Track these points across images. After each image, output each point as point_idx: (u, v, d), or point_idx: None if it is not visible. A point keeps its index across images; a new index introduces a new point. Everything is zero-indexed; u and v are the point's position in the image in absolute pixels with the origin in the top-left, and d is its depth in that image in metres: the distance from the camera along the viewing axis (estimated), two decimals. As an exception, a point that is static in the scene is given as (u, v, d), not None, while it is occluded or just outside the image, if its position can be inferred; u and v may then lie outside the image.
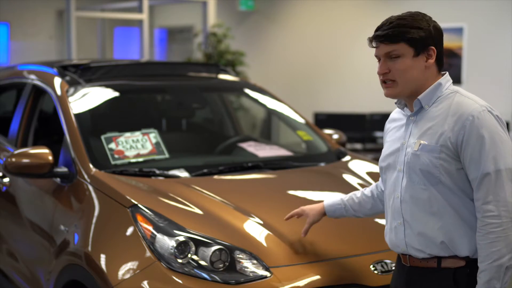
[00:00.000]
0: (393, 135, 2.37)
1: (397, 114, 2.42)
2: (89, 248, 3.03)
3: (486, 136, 2.12)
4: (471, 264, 2.18)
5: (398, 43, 2.17)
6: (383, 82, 2.23)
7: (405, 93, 2.23)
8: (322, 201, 2.79)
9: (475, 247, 2.17)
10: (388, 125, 2.46)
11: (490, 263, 2.09)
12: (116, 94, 4.07)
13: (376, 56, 2.23)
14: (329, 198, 2.77)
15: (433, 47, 2.22)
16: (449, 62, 7.85)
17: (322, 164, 3.86)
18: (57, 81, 3.92)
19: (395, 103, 2.34)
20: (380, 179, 2.57)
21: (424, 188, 2.19)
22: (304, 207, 2.83)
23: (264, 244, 2.90)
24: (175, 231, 2.87)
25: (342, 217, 2.76)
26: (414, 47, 2.17)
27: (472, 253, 2.18)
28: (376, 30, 2.22)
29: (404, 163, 2.25)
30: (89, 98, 3.89)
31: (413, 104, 2.25)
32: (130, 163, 3.55)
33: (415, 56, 2.18)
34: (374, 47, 2.23)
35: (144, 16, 8.72)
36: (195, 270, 2.76)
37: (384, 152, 2.39)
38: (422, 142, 2.19)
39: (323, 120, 8.60)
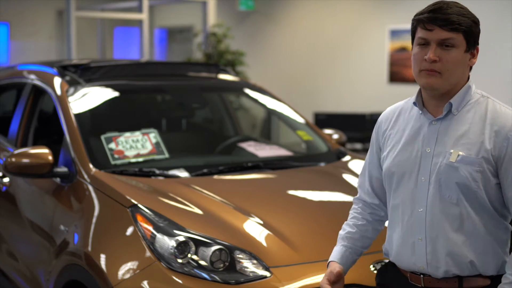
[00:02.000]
0: (404, 138, 2.13)
1: (403, 114, 2.18)
2: (89, 248, 3.03)
3: None
4: (495, 281, 2.05)
5: (457, 32, 1.97)
6: (426, 70, 1.99)
7: (444, 89, 2.01)
8: (331, 262, 2.28)
9: (502, 265, 2.05)
10: (390, 125, 2.20)
11: None
12: (116, 94, 4.07)
13: (423, 39, 2.00)
14: (333, 254, 2.29)
15: (478, 47, 2.06)
16: (449, 62, 7.85)
17: (322, 164, 3.86)
18: (57, 81, 3.92)
19: (414, 103, 2.10)
20: (369, 188, 2.30)
21: (455, 203, 2.00)
22: (328, 280, 2.22)
23: (264, 244, 2.90)
24: (175, 231, 2.87)
25: (356, 259, 2.33)
26: (468, 41, 2.00)
27: (498, 271, 2.05)
28: (431, 12, 1.99)
29: (432, 174, 2.03)
30: (89, 98, 3.88)
31: (444, 107, 2.03)
32: (130, 163, 3.55)
33: (466, 51, 2.01)
34: (427, 29, 1.98)
35: (144, 16, 8.72)
36: (195, 270, 2.77)
37: (397, 157, 2.13)
38: (460, 153, 1.98)
39: (323, 120, 8.60)
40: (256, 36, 10.32)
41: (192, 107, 4.66)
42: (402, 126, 2.15)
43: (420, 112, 2.10)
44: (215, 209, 3.09)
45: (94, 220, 3.15)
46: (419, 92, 2.11)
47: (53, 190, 3.52)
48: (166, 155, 3.69)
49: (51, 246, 3.36)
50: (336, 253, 2.26)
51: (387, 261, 2.43)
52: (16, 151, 3.45)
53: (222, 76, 4.53)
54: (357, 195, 2.37)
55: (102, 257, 2.95)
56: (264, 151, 4.01)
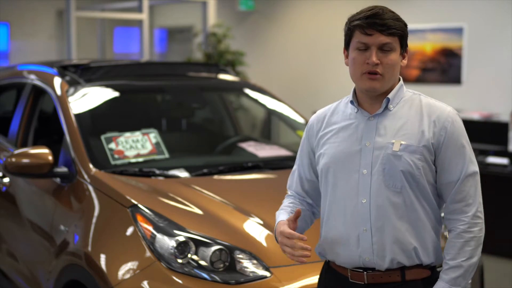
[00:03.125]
0: (341, 135, 2.17)
1: (336, 114, 2.23)
2: (89, 248, 3.03)
3: (464, 139, 2.11)
4: (434, 272, 2.15)
5: (394, 36, 2.07)
6: (368, 73, 2.08)
7: (384, 89, 2.11)
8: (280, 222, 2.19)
9: (438, 253, 2.14)
10: (323, 126, 2.24)
11: (462, 261, 2.07)
12: (116, 94, 4.07)
13: (363, 44, 2.08)
14: (280, 217, 2.24)
15: (407, 49, 2.16)
16: (449, 62, 7.85)
17: (322, 164, 3.86)
18: (57, 81, 3.92)
19: (350, 101, 2.18)
20: (300, 190, 2.32)
21: (399, 192, 2.08)
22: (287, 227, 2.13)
23: (264, 244, 2.90)
24: (175, 231, 2.88)
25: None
26: (401, 44, 2.11)
27: (435, 260, 2.14)
28: (368, 17, 2.07)
29: (374, 165, 2.09)
30: (89, 98, 3.89)
31: (382, 102, 2.12)
32: (130, 163, 3.55)
33: (400, 54, 2.11)
34: (367, 34, 2.07)
35: (144, 16, 8.71)
36: (195, 270, 2.77)
37: (334, 153, 2.16)
38: (402, 142, 2.07)
39: (323, 120, 8.58)
40: (256, 36, 10.32)
41: (192, 107, 4.66)
42: (337, 125, 2.21)
43: (356, 110, 2.17)
44: (215, 209, 3.09)
45: (94, 220, 3.15)
46: (354, 91, 2.20)
47: (53, 190, 3.53)
48: (166, 155, 3.69)
49: (51, 246, 3.36)
50: (283, 216, 2.21)
51: None
52: (16, 151, 3.46)
53: (222, 76, 4.53)
54: (287, 193, 2.38)
55: (102, 257, 2.95)
56: (264, 151, 4.01)
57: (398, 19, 2.09)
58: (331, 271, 2.21)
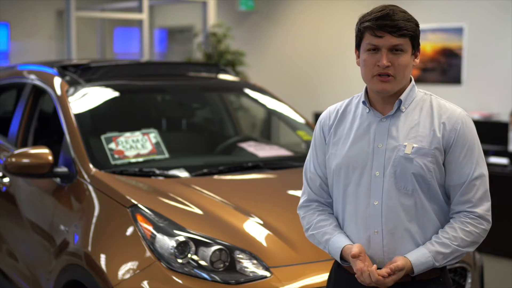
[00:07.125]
0: (353, 136, 2.16)
1: (348, 113, 2.21)
2: (89, 248, 3.03)
3: (475, 141, 2.11)
4: (444, 273, 2.15)
5: (405, 38, 2.05)
6: (379, 75, 2.06)
7: (395, 90, 2.10)
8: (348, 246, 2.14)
9: None
10: (335, 125, 2.21)
11: (451, 243, 2.05)
12: (116, 94, 4.07)
13: (373, 45, 2.06)
14: (341, 240, 2.17)
15: (420, 48, 2.16)
16: (449, 62, 7.85)
17: (322, 164, 3.86)
18: (57, 81, 3.92)
19: (363, 102, 2.16)
20: (320, 188, 2.25)
21: (410, 194, 2.07)
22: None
23: (264, 244, 2.90)
24: (175, 231, 2.88)
25: None
26: (413, 44, 2.09)
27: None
28: (379, 19, 2.04)
29: (386, 167, 2.09)
30: (89, 98, 3.89)
31: (395, 104, 2.11)
32: (130, 163, 3.55)
33: (412, 54, 2.10)
34: (377, 36, 2.05)
35: (144, 16, 8.71)
36: (195, 270, 2.77)
37: (346, 154, 2.15)
38: (414, 145, 2.07)
39: (323, 120, 8.58)
40: (256, 36, 10.32)
41: (192, 107, 4.66)
42: (349, 125, 2.19)
43: (368, 110, 2.16)
44: (215, 209, 3.09)
45: (94, 220, 3.15)
46: (366, 91, 2.17)
47: (53, 190, 3.52)
48: (166, 155, 3.69)
49: (51, 246, 3.36)
50: (343, 238, 2.15)
51: None
52: (16, 151, 3.45)
53: (222, 76, 4.53)
54: (305, 198, 2.28)
55: (102, 257, 2.95)
56: (264, 151, 4.01)
57: (409, 19, 2.07)
58: (341, 269, 2.21)
